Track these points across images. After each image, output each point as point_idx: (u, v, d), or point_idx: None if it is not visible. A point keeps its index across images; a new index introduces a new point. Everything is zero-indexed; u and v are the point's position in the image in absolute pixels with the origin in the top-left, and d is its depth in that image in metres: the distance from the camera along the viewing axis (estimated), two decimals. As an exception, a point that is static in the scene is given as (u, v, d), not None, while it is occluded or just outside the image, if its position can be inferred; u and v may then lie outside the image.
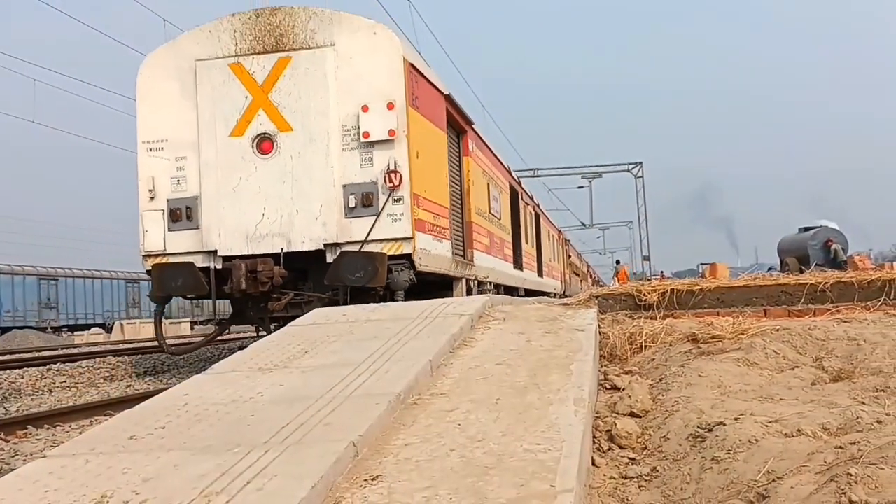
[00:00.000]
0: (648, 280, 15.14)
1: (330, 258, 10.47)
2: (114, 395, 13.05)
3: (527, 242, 20.01)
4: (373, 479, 3.38)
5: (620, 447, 4.43)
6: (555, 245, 29.12)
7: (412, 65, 10.66)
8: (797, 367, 5.51)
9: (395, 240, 10.27)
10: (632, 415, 4.86)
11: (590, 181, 45.83)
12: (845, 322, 6.46)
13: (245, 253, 10.54)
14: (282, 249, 10.48)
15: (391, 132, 10.19)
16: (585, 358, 5.31)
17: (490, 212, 15.18)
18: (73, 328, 45.08)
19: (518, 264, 18.31)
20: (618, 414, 4.87)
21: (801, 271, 11.67)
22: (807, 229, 39.24)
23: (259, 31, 10.50)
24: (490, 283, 14.82)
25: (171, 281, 10.76)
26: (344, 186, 10.38)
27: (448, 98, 12.44)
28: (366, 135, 10.25)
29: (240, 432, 4.00)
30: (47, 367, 17.65)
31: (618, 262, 54.19)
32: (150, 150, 10.78)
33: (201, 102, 10.66)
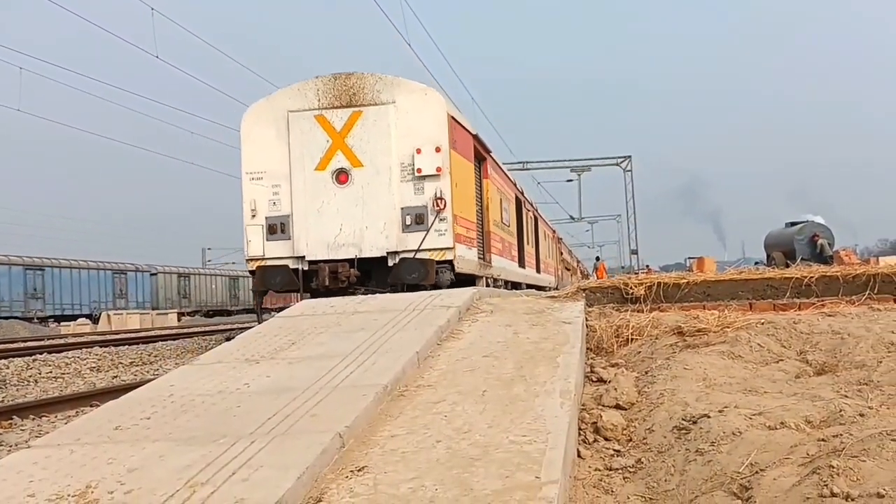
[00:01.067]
0: (636, 273, 15.35)
1: (391, 263, 13.56)
2: (100, 386, 13.02)
3: (528, 244, 23.50)
4: (359, 471, 3.39)
5: (606, 439, 4.45)
6: (550, 244, 32.86)
7: (452, 116, 14.08)
8: (781, 360, 5.54)
9: (441, 249, 13.52)
10: (617, 407, 4.88)
11: (579, 175, 45.87)
12: (830, 316, 6.49)
13: (327, 258, 13.71)
14: (355, 256, 13.70)
15: (438, 169, 13.55)
16: (572, 350, 5.33)
17: (502, 221, 18.63)
18: (59, 318, 44.88)
19: (522, 263, 21.76)
20: (603, 406, 4.89)
21: (787, 265, 11.72)
22: (793, 224, 39.44)
23: (337, 91, 13.92)
24: (502, 280, 17.96)
25: (270, 279, 13.87)
26: (402, 209, 13.65)
27: (475, 137, 15.98)
28: (419, 171, 13.59)
29: (225, 423, 4.00)
30: (33, 357, 17.60)
31: (597, 259, 54.40)
32: (252, 179, 13.99)
33: (292, 144, 13.88)
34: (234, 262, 72.78)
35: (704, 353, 5.66)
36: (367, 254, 13.72)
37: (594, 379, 5.68)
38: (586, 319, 6.95)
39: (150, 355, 18.66)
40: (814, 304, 7.25)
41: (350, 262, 13.75)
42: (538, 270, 26.06)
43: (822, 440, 3.47)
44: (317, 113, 13.95)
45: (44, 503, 3.15)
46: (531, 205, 26.26)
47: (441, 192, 13.60)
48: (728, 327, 6.17)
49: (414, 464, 3.41)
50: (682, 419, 4.25)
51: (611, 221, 75.79)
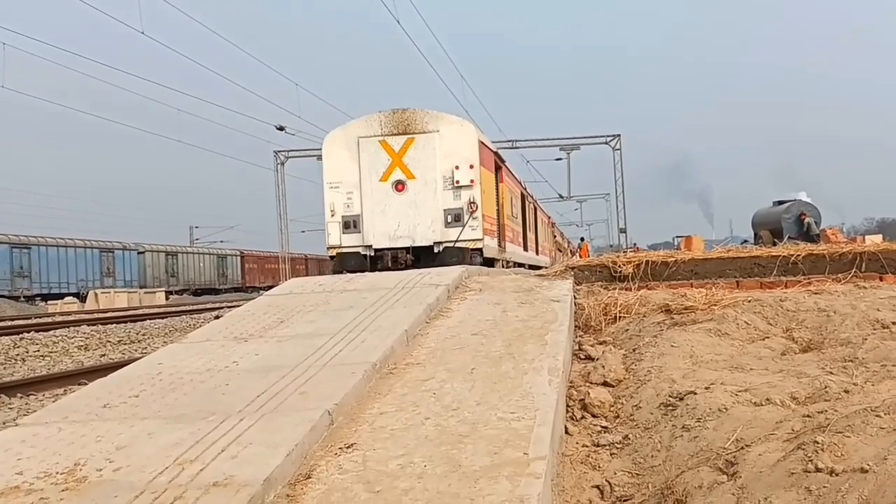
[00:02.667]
0: (624, 252, 15.69)
1: (436, 250, 17.57)
2: (88, 364, 13.01)
3: (530, 231, 28.77)
4: (347, 447, 3.40)
5: (593, 416, 4.47)
6: (545, 229, 38.35)
7: (481, 141, 18.56)
8: (768, 337, 5.57)
9: (473, 240, 17.68)
10: (605, 384, 4.91)
11: (568, 153, 45.69)
12: (816, 294, 6.53)
13: (389, 246, 17.69)
14: (410, 244, 17.66)
15: (471, 181, 17.75)
16: (560, 328, 5.35)
17: (512, 215, 23.51)
18: (46, 297, 44.70)
19: (525, 247, 26.91)
20: (591, 383, 4.92)
21: (775, 244, 11.76)
22: (781, 203, 39.48)
23: (395, 122, 18.13)
24: (512, 262, 22.01)
25: (347, 262, 17.49)
26: (444, 210, 17.77)
27: (495, 153, 20.74)
28: (457, 182, 17.75)
29: (214, 401, 4.00)
30: (20, 335, 17.54)
31: (581, 240, 54.46)
32: (331, 187, 18.13)
33: (362, 161, 17.90)
34: (221, 241, 72.68)
35: (692, 330, 5.69)
36: (418, 243, 17.82)
37: (582, 356, 5.70)
38: (575, 297, 6.98)
39: (137, 334, 18.65)
40: (800, 282, 7.28)
41: (406, 249, 17.84)
42: (537, 253, 31.13)
43: (808, 416, 3.50)
44: (380, 138, 18.14)
45: (32, 480, 3.16)
46: (532, 197, 31.85)
47: (473, 198, 18.01)
48: (715, 305, 6.20)
49: (403, 441, 3.43)
50: (669, 396, 4.28)
51: (599, 200, 75.67)
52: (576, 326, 6.50)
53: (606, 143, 45.67)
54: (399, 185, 18.05)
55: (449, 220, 17.90)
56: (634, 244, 47.12)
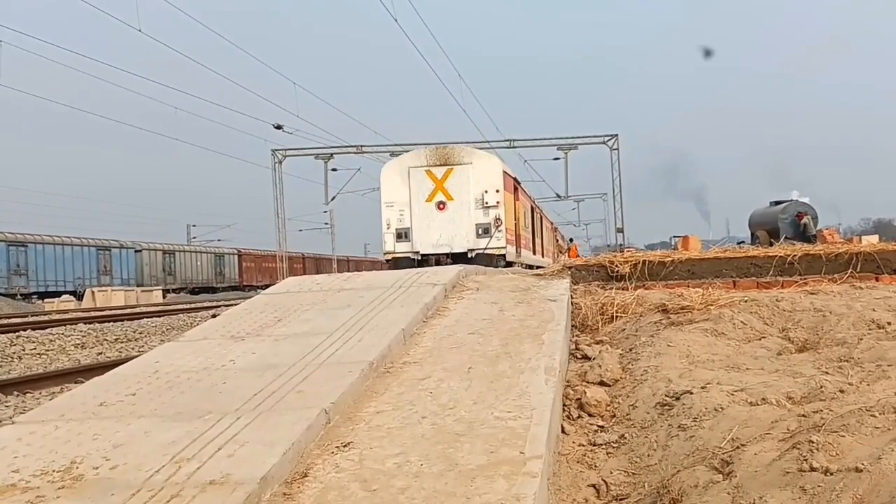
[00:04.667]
0: (621, 252, 15.89)
1: (470, 255, 21.68)
2: (84, 363, 13.01)
3: (537, 237, 33.66)
4: (344, 446, 3.41)
5: (590, 415, 4.48)
6: (549, 234, 43.20)
7: (504, 171, 23.41)
8: (764, 337, 5.59)
9: (498, 248, 22.27)
10: (601, 383, 4.92)
11: (565, 153, 45.65)
12: (812, 294, 6.54)
13: (433, 252, 21.97)
14: (449, 251, 21.92)
15: (497, 202, 22.24)
16: (557, 328, 5.35)
17: (525, 225, 28.31)
18: (42, 295, 44.60)
19: (534, 251, 31.68)
20: (588, 382, 4.93)
21: (771, 244, 11.79)
22: (778, 203, 39.53)
23: (438, 156, 22.70)
24: (525, 264, 25.68)
25: (400, 265, 20.23)
26: (476, 224, 22.23)
27: (514, 179, 25.58)
28: (486, 203, 22.20)
29: (211, 399, 4.01)
30: (16, 333, 17.53)
31: (571, 240, 54.55)
32: (387, 206, 22.54)
33: (412, 186, 22.32)
34: (219, 240, 72.60)
35: (688, 330, 5.71)
36: (456, 250, 22.12)
37: (579, 356, 5.71)
38: (571, 297, 6.99)
39: (135, 332, 18.64)
40: (797, 282, 7.30)
41: (446, 254, 21.97)
42: (543, 255, 35.65)
43: (803, 416, 3.51)
44: (426, 168, 22.61)
45: (29, 479, 3.16)
46: (539, 208, 37.01)
47: (499, 215, 22.47)
48: (712, 305, 6.22)
49: (399, 439, 3.44)
50: (666, 395, 4.29)
51: (597, 200, 75.60)
52: (573, 326, 6.51)
53: (604, 142, 45.67)
54: (441, 205, 22.76)
55: (479, 232, 22.61)
56: (620, 244, 46.98)
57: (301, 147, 42.26)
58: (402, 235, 22.74)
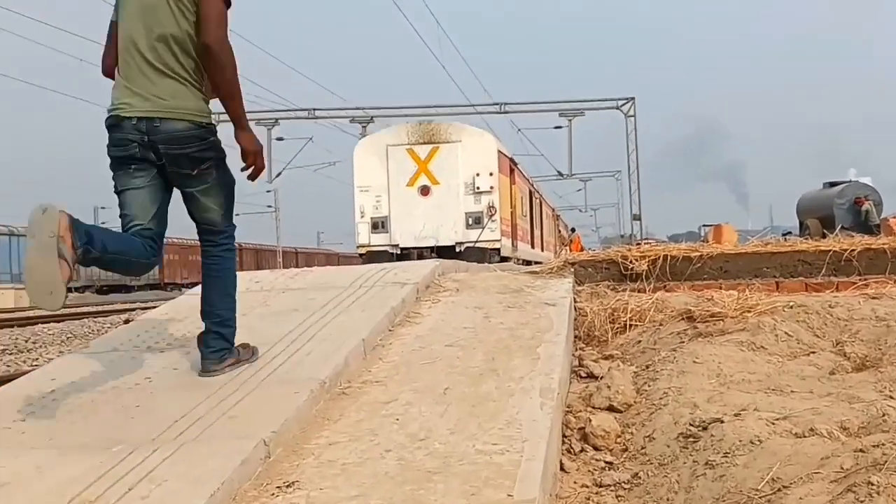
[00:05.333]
0: (637, 244, 15.85)
1: (458, 249, 22.52)
2: (-37, 380, 12.88)
3: (536, 227, 34.85)
4: (287, 486, 3.40)
5: (596, 448, 4.49)
6: (550, 222, 44.96)
7: (499, 150, 24.40)
8: (813, 352, 5.61)
9: (492, 240, 23.18)
10: (611, 409, 4.93)
11: (569, 120, 45.53)
12: (874, 298, 6.57)
13: (415, 246, 22.88)
14: (434, 244, 22.63)
15: (491, 187, 23.21)
16: (556, 339, 5.37)
17: (522, 214, 29.46)
18: None
19: (532, 244, 32.86)
20: (594, 408, 4.94)
21: (824, 235, 11.82)
22: (833, 185, 39.50)
23: (421, 132, 23.64)
24: (522, 259, 26.68)
25: (376, 260, 19.49)
26: (466, 213, 23.14)
27: (510, 159, 26.93)
28: (477, 188, 23.15)
29: (122, 427, 3.99)
30: None
31: (573, 231, 54.56)
32: (361, 191, 23.66)
33: (390, 167, 23.36)
34: (136, 225, 72.03)
35: (719, 343, 5.72)
36: (442, 243, 22.77)
37: (583, 374, 5.72)
38: (575, 300, 7.00)
39: (27, 341, 18.55)
40: (855, 283, 7.33)
41: (431, 248, 22.42)
42: (542, 249, 36.97)
43: (861, 451, 3.53)
44: (407, 147, 23.47)
45: None
46: (539, 193, 38.41)
47: (492, 202, 23.28)
48: (749, 311, 6.24)
49: (357, 478, 3.43)
50: (690, 424, 4.30)
51: (608, 180, 76.12)
52: (576, 336, 6.52)
53: (617, 107, 45.62)
54: (424, 190, 23.41)
55: (470, 222, 23.42)
56: (634, 236, 47.05)
57: (250, 111, 42.23)
58: (379, 225, 23.49)
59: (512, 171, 27.19)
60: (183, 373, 4.81)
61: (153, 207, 4.71)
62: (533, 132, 55.73)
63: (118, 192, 4.73)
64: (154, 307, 8.27)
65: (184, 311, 6.37)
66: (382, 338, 5.55)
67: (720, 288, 7.37)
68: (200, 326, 4.94)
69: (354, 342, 5.13)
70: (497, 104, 44.23)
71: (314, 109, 42.98)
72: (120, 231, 4.66)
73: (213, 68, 4.71)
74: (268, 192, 69.40)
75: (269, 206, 75.19)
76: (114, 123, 4.65)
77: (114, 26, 4.80)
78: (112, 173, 4.77)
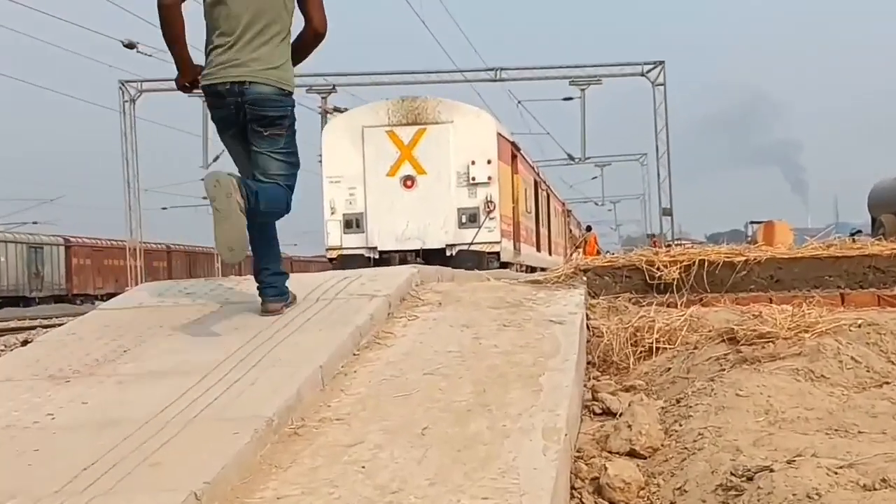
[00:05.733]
0: (667, 246, 15.88)
1: (449, 253, 23.40)
2: None
3: (542, 226, 36.21)
4: (225, 551, 3.40)
5: (612, 503, 4.50)
6: (559, 220, 46.40)
7: (499, 133, 24.98)
8: (888, 382, 5.62)
9: (490, 243, 23.76)
10: (632, 454, 4.93)
11: (582, 89, 45.40)
12: (964, 316, 6.59)
13: (397, 248, 23.49)
14: (420, 247, 23.40)
15: (489, 178, 23.85)
16: (563, 365, 5.37)
17: (526, 210, 30.55)
18: None
19: (538, 247, 34.11)
20: (610, 453, 4.94)
21: (902, 236, 11.84)
22: (915, 171, 39.45)
23: (404, 111, 24.15)
24: (526, 265, 28.38)
25: (349, 266, 19.59)
26: (458, 209, 23.73)
27: (512, 143, 27.68)
28: (473, 179, 23.77)
29: (18, 476, 3.97)
30: None
31: (588, 228, 54.46)
32: (331, 182, 24.27)
33: (367, 153, 24.11)
34: (34, 222, 71.72)
35: (769, 371, 5.73)
36: (429, 245, 23.35)
37: (598, 410, 5.73)
38: (588, 317, 7.01)
39: None
40: (941, 296, 7.35)
41: (416, 252, 23.30)
42: (550, 252, 38.39)
43: (945, 507, 3.54)
44: (387, 129, 24.06)
45: None
46: (546, 184, 39.69)
47: (491, 196, 23.82)
48: (806, 332, 6.25)
49: (312, 541, 3.43)
50: (732, 474, 4.31)
51: (630, 165, 76.01)
52: (589, 363, 6.53)
53: (643, 73, 45.54)
54: (408, 181, 23.94)
55: (463, 220, 24.05)
56: (660, 235, 47.09)
57: (167, 77, 42.09)
58: (353, 224, 24.17)
59: (514, 157, 27.47)
60: (94, 408, 4.79)
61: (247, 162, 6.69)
62: (536, 105, 55.52)
63: (228, 152, 6.91)
64: (59, 325, 8.25)
65: (95, 329, 6.35)
66: (345, 364, 5.55)
67: (770, 302, 7.39)
68: (116, 349, 4.94)
69: (310, 370, 5.12)
70: (491, 69, 44.15)
71: (262, 75, 42.94)
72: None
73: (314, 44, 6.81)
74: (202, 179, 69.01)
75: (206, 198, 74.52)
76: (210, 87, 6.53)
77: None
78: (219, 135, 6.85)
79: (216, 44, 6.50)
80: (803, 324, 6.34)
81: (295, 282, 7.02)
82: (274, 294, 6.56)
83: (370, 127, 24.31)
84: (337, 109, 42.98)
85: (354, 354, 5.75)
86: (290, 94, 6.65)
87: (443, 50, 51.34)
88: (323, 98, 42.31)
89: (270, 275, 6.63)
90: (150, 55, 38.91)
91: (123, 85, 42.72)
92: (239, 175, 6.32)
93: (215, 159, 43.90)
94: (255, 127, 6.48)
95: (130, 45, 38.43)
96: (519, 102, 47.74)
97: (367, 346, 5.95)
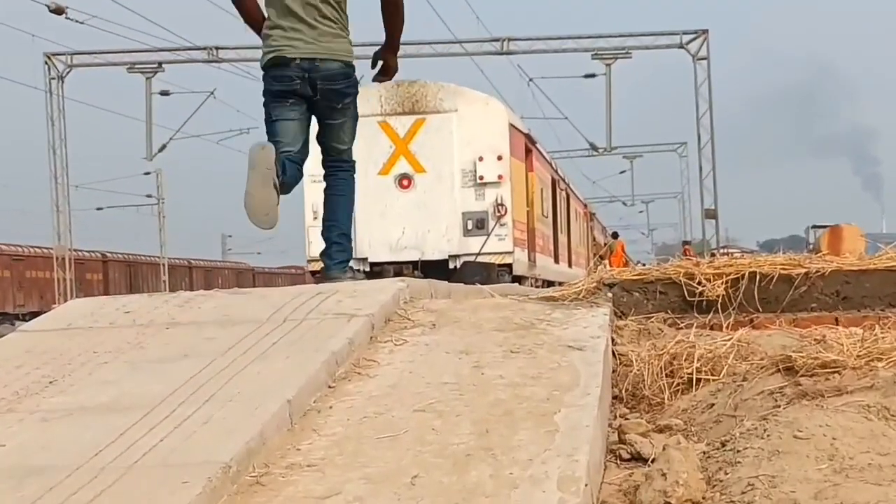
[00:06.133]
0: (711, 255, 15.90)
1: (452, 265, 23.89)
2: None
3: (561, 232, 37.43)
4: None
5: (644, 570, 4.50)
6: (581, 225, 47.65)
7: (512, 124, 25.37)
8: (978, 423, 5.63)
9: (501, 253, 24.15)
10: (668, 508, 4.94)
11: (608, 65, 45.40)
12: None
13: (391, 260, 23.92)
14: (418, 258, 23.72)
15: (500, 177, 24.16)
16: (584, 400, 5.37)
17: (542, 214, 31.19)
18: None
19: (556, 257, 35.26)
20: (642, 506, 4.95)
21: None
22: None
23: (400, 98, 24.28)
24: (542, 279, 29.54)
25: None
26: (463, 213, 23.98)
27: (526, 135, 28.35)
28: (480, 178, 24.08)
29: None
30: None
31: (615, 236, 54.57)
32: (313, 181, 20.95)
33: (355, 148, 20.62)
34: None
35: (834, 407, 5.74)
36: (429, 256, 23.78)
37: (625, 455, 5.73)
38: (614, 341, 7.02)
39: None
40: None
41: (413, 263, 23.77)
42: (570, 264, 39.73)
43: None
44: (380, 119, 24.26)
45: None
46: (565, 182, 40.93)
47: (502, 198, 24.19)
48: (879, 360, 6.26)
49: None
50: (789, 533, 4.32)
51: (666, 156, 76.12)
52: (614, 397, 6.54)
53: (681, 45, 45.61)
54: (404, 181, 24.44)
55: (469, 226, 24.40)
56: (703, 242, 47.27)
57: (101, 49, 42.23)
58: None
59: (529, 152, 28.01)
60: (12, 451, 4.80)
61: (302, 136, 8.80)
62: (551, 84, 55.42)
63: (272, 122, 8.63)
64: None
65: (15, 356, 6.36)
66: (319, 398, 5.55)
67: (836, 323, 7.40)
68: (39, 379, 4.93)
69: (276, 405, 5.12)
70: (497, 40, 44.16)
71: (217, 48, 42.95)
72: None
73: (394, 14, 8.91)
74: (146, 174, 68.83)
75: (149, 196, 74.43)
76: (276, 63, 8.42)
77: None
78: (267, 105, 8.64)
79: (279, 19, 8.41)
80: (876, 350, 6.35)
81: (258, 298, 7.03)
82: (338, 263, 8.94)
83: (360, 116, 23.91)
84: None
85: (330, 387, 5.75)
86: (353, 65, 8.91)
87: (437, 15, 51.27)
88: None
89: (340, 236, 9.29)
90: (81, 22, 38.76)
91: (50, 58, 42.72)
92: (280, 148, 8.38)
93: (161, 149, 44.06)
94: (328, 103, 8.75)
95: (58, 10, 38.37)
96: (530, 80, 47.77)
97: (345, 376, 5.95)
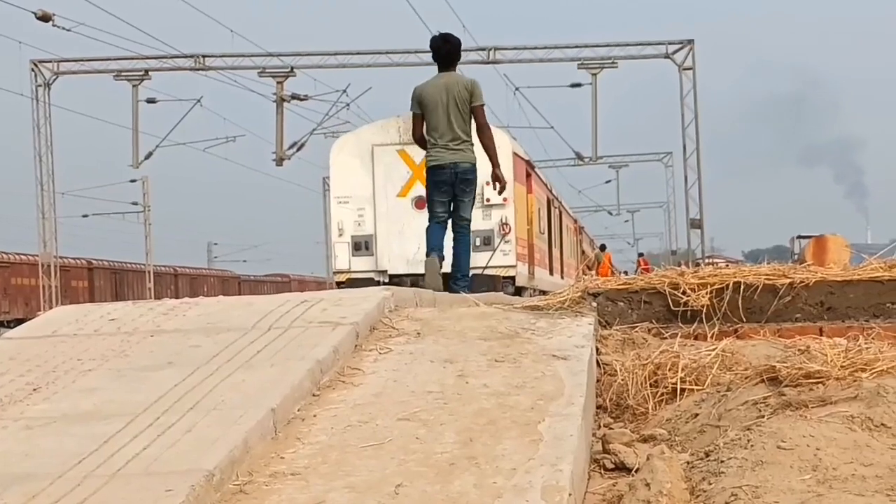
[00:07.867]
0: (696, 264, 15.98)
1: None
2: None
3: (555, 247, 39.68)
4: None
5: (627, 580, 4.50)
6: (571, 239, 49.84)
7: (515, 153, 27.35)
8: (962, 433, 5.64)
9: (505, 266, 26.53)
10: (651, 519, 4.94)
11: (593, 74, 45.60)
12: None
13: (408, 272, 25.38)
14: None
15: (505, 200, 25.02)
16: (568, 410, 5.37)
17: (540, 231, 33.56)
18: None
19: (551, 269, 37.51)
20: (625, 517, 4.95)
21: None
22: None
23: None
24: (539, 290, 30.12)
25: None
26: (472, 232, 21.92)
27: (527, 162, 30.80)
28: (487, 200, 25.39)
29: None
30: None
31: (602, 248, 54.88)
32: (340, 202, 27.42)
33: (377, 173, 26.83)
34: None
35: (817, 418, 5.75)
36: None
37: (609, 465, 5.73)
38: (598, 351, 7.02)
39: None
40: None
41: None
42: (562, 275, 41.32)
43: None
44: (398, 147, 26.36)
45: None
46: (558, 201, 43.25)
47: (506, 218, 26.52)
48: (863, 371, 6.26)
49: None
50: (771, 544, 4.32)
51: (652, 167, 76.19)
52: (598, 407, 6.54)
53: (667, 55, 45.78)
54: (420, 202, 24.89)
55: (477, 242, 25.03)
56: (689, 252, 47.41)
57: (88, 57, 42.16)
58: (362, 246, 26.94)
59: (528, 176, 30.51)
60: (-5, 459, 4.78)
61: (449, 206, 13.57)
62: (538, 93, 55.66)
63: (432, 200, 13.71)
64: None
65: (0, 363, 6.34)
66: (303, 407, 5.54)
67: (820, 334, 7.40)
68: (23, 387, 4.90)
69: (259, 414, 5.11)
70: (483, 49, 44.23)
71: (203, 56, 42.95)
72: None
73: (489, 147, 13.78)
74: (132, 181, 68.68)
75: (135, 204, 74.30)
76: (437, 167, 13.36)
77: (418, 116, 13.64)
78: (430, 190, 13.75)
79: (436, 138, 13.44)
80: (860, 361, 6.35)
81: (243, 306, 7.02)
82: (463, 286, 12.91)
83: (380, 145, 26.70)
84: (296, 97, 43.33)
85: (314, 395, 5.74)
86: (476, 165, 13.61)
87: (423, 24, 51.32)
88: (279, 83, 42.30)
89: (462, 276, 13.63)
90: (68, 29, 38.68)
91: (36, 65, 42.65)
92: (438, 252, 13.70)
93: (147, 157, 44.01)
94: (462, 187, 13.56)
95: (45, 18, 38.28)
96: (517, 90, 47.79)
97: (330, 385, 5.95)
